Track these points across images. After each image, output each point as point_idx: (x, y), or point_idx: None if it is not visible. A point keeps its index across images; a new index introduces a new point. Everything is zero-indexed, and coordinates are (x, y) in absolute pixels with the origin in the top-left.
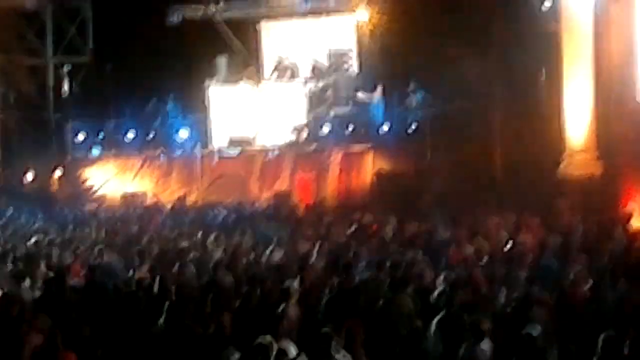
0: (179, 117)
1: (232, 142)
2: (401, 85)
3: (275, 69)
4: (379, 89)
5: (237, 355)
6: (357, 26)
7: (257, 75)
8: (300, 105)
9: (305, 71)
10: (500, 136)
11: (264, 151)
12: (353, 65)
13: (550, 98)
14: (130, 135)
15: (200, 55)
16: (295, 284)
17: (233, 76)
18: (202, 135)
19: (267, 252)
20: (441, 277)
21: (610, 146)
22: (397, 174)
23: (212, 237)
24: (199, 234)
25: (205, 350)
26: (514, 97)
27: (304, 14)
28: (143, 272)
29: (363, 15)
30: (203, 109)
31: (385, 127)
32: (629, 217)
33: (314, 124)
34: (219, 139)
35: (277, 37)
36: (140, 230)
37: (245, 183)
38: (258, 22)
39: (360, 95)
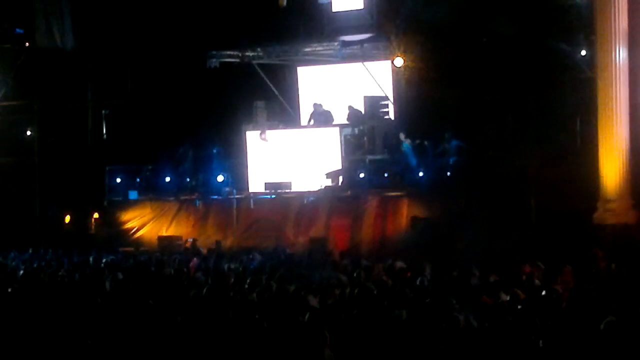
0: (216, 161)
1: (268, 187)
2: (437, 133)
3: (312, 114)
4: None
5: None
6: (394, 73)
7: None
8: (336, 151)
9: (341, 117)
10: (535, 183)
11: (300, 196)
12: (389, 112)
13: (585, 146)
14: (167, 179)
15: (238, 101)
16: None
17: (270, 121)
18: (238, 180)
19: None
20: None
21: None
22: (432, 221)
23: (248, 281)
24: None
25: None
26: (549, 145)
27: (341, 61)
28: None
29: (400, 62)
30: (240, 153)
31: (421, 174)
32: None
33: (350, 170)
34: (255, 184)
35: (313, 83)
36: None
37: (281, 228)
38: (295, 67)
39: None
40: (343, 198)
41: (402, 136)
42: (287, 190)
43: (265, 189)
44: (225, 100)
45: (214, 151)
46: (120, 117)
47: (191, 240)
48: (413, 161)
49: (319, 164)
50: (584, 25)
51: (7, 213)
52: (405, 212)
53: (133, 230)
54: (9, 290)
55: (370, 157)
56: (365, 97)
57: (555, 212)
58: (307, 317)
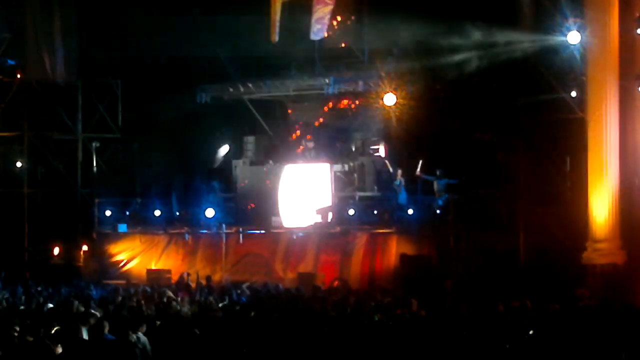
0: (206, 195)
1: (258, 222)
2: (426, 170)
3: (303, 150)
4: (399, 172)
5: None
6: (384, 110)
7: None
8: (326, 188)
9: (331, 153)
10: (524, 222)
11: (289, 232)
12: (379, 149)
13: (575, 186)
14: (157, 212)
15: (228, 135)
16: None
17: (260, 156)
18: (227, 214)
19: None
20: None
21: (634, 235)
22: (421, 258)
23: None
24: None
25: None
26: (538, 184)
27: (332, 97)
28: None
29: (390, 99)
30: (230, 188)
31: (410, 211)
32: None
33: (340, 207)
34: (244, 219)
35: (304, 119)
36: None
37: (270, 263)
38: (286, 103)
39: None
40: (332, 234)
41: (398, 173)
42: (276, 226)
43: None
44: (216, 134)
45: (204, 185)
46: (110, 150)
47: (186, 274)
48: (404, 199)
49: (309, 200)
50: (575, 66)
51: None
52: (394, 249)
53: (122, 263)
54: None
55: (360, 193)
56: (355, 133)
57: (544, 251)
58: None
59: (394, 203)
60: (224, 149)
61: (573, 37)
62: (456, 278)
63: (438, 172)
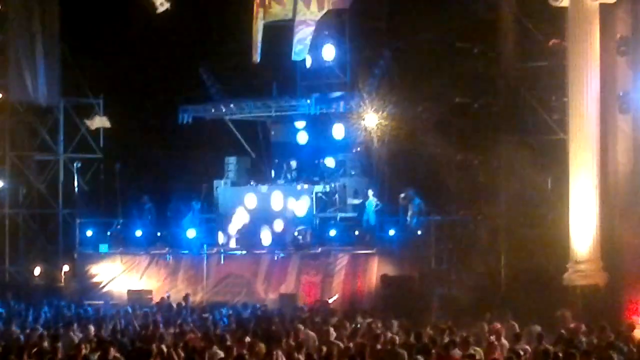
0: (187, 216)
1: (239, 243)
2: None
3: (283, 171)
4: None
5: None
6: (365, 131)
7: None
8: (306, 208)
9: (312, 174)
10: (505, 244)
11: (270, 253)
12: (359, 170)
13: (556, 207)
14: (138, 233)
15: (209, 156)
16: None
17: (242, 177)
18: (208, 235)
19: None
20: None
21: (615, 257)
22: (402, 279)
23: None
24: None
25: None
26: (519, 205)
27: (314, 118)
28: None
29: (372, 120)
30: (211, 209)
31: (391, 232)
32: (632, 328)
33: (320, 227)
34: (225, 240)
35: (285, 139)
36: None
37: (251, 284)
38: (267, 123)
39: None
40: (313, 255)
41: (370, 193)
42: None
43: (236, 245)
44: (197, 155)
45: (184, 206)
46: (91, 170)
47: (167, 295)
48: (372, 220)
49: (290, 221)
50: (556, 88)
51: None
52: (376, 270)
53: (103, 284)
54: None
55: (341, 214)
56: (336, 154)
57: (525, 272)
58: None
59: (375, 224)
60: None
61: (555, 59)
62: (437, 300)
63: (410, 193)
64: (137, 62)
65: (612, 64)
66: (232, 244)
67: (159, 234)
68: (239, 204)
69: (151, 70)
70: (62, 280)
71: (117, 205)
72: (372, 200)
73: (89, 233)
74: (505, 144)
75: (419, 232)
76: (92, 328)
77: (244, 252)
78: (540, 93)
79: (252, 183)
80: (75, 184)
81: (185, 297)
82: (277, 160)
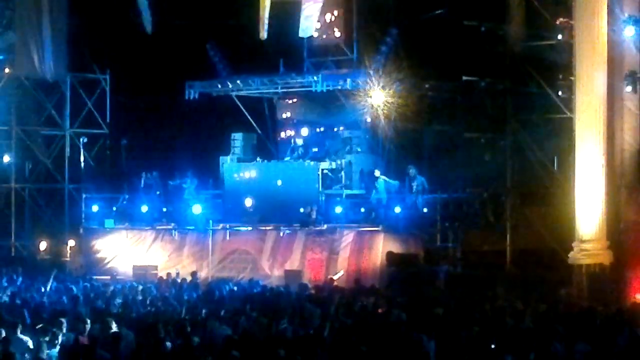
0: (193, 192)
1: (244, 219)
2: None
3: (290, 147)
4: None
5: None
6: (372, 108)
7: None
8: (312, 185)
9: (319, 151)
10: (510, 223)
11: (276, 229)
12: (365, 147)
13: (562, 186)
14: (144, 208)
15: (216, 132)
16: None
17: (248, 153)
18: (215, 211)
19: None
20: None
21: (620, 236)
22: (407, 257)
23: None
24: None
25: None
26: (525, 184)
27: (320, 95)
28: None
29: (378, 97)
30: (217, 185)
31: (397, 210)
32: (637, 307)
33: (326, 205)
34: (231, 216)
35: (292, 116)
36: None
37: (257, 261)
38: (273, 100)
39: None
40: (319, 232)
41: (377, 172)
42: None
43: (242, 221)
44: (203, 131)
45: (192, 181)
46: (98, 146)
47: (176, 272)
48: (384, 198)
49: (296, 198)
50: (563, 66)
51: None
52: (381, 247)
53: (108, 259)
54: None
55: (347, 191)
56: (343, 131)
57: (530, 251)
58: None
59: (377, 202)
60: None
61: (562, 37)
62: (442, 277)
63: (411, 171)
64: (144, 38)
65: (619, 43)
66: (238, 220)
67: (164, 209)
68: (244, 179)
69: (158, 46)
70: (68, 255)
71: (123, 180)
72: (381, 179)
73: (95, 208)
74: (512, 123)
75: (425, 210)
76: (98, 302)
77: (249, 228)
78: (547, 71)
79: (258, 159)
80: (82, 159)
81: (193, 274)
82: (283, 136)
